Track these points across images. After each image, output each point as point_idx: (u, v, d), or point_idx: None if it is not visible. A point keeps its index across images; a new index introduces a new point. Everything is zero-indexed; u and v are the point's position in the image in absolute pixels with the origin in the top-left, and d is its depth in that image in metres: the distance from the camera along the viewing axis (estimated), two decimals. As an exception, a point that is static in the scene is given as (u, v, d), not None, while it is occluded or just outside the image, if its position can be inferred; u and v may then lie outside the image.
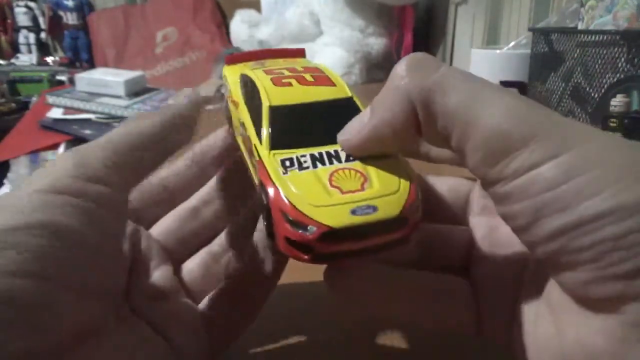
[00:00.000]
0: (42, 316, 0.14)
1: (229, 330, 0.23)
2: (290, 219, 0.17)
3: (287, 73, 0.22)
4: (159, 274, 0.23)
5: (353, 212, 0.17)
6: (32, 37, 1.69)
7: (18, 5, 1.68)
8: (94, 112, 1.01)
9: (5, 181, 0.93)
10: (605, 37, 0.52)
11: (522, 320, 0.19)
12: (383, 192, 0.18)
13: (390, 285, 0.20)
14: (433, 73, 0.16)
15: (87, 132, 0.95)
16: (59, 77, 1.49)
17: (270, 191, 0.17)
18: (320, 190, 0.17)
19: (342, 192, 0.17)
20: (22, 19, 1.68)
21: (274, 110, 0.20)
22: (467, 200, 0.23)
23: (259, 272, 0.23)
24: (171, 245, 0.24)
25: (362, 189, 0.18)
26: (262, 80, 0.21)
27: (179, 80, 1.43)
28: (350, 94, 0.21)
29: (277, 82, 0.21)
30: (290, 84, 0.21)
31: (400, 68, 0.17)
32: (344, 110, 0.20)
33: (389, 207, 0.17)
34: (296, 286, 0.29)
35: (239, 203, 0.25)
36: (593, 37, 0.53)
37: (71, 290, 0.15)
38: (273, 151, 0.19)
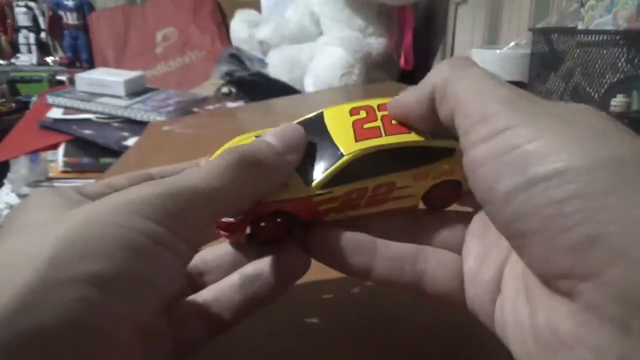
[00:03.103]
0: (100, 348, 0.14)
1: (192, 339, 0.22)
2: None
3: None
4: None
5: None
6: (32, 37, 1.69)
7: (18, 5, 1.68)
8: (94, 112, 1.01)
9: (5, 181, 0.93)
10: (605, 37, 0.52)
11: (505, 297, 0.19)
12: None
13: (368, 251, 0.22)
14: (454, 69, 0.19)
15: (87, 132, 0.95)
16: (59, 77, 1.49)
17: None
18: None
19: None
20: (22, 19, 1.68)
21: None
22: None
23: (239, 300, 0.22)
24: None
25: None
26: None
27: (179, 80, 1.44)
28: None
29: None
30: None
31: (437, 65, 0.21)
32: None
33: None
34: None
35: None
36: (593, 37, 0.53)
37: (136, 329, 0.16)
38: None
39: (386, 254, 0.22)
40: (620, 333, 0.14)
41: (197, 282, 0.23)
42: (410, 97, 0.21)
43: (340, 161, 0.21)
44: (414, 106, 0.21)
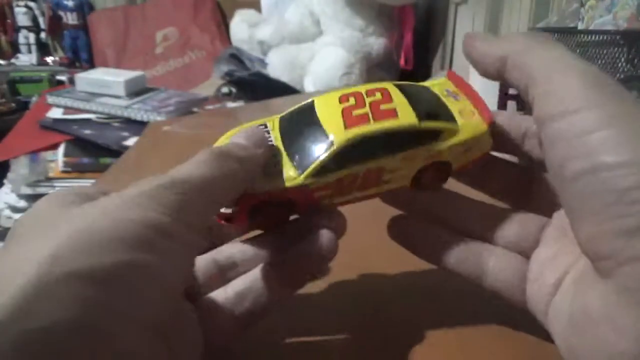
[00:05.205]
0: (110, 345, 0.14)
1: (225, 333, 0.23)
2: None
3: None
4: None
5: None
6: (32, 37, 1.69)
7: (18, 5, 1.68)
8: (94, 112, 1.01)
9: (5, 181, 0.93)
10: (605, 37, 0.52)
11: (557, 296, 0.20)
12: None
13: (440, 244, 0.24)
14: (533, 41, 0.20)
15: (87, 132, 0.95)
16: (59, 77, 1.49)
17: None
18: None
19: None
20: (22, 19, 1.68)
21: None
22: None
23: (266, 291, 0.23)
24: None
25: None
26: None
27: (179, 80, 1.44)
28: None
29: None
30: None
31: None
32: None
33: None
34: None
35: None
36: (593, 37, 0.53)
37: (144, 328, 0.15)
38: None
39: (454, 245, 0.24)
40: None
41: (227, 276, 0.24)
42: (483, 52, 0.22)
43: (331, 150, 0.22)
44: (482, 59, 0.22)
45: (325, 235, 0.22)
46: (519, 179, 0.25)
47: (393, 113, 0.22)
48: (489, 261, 0.23)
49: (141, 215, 0.16)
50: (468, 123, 0.23)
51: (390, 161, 0.22)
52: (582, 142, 0.17)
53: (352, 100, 0.23)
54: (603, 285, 0.16)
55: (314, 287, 0.29)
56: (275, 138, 0.24)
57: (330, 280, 0.30)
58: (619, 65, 0.51)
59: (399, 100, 0.23)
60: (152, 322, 0.16)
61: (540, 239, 0.23)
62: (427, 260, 0.25)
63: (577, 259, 0.20)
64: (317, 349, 0.25)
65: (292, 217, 0.24)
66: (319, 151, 0.22)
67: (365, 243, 0.30)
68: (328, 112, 0.23)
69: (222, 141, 0.24)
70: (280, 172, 0.22)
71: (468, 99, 0.24)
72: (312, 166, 0.22)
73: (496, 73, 0.22)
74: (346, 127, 0.22)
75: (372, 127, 0.22)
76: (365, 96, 0.23)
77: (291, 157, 0.22)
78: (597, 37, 0.53)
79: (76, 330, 0.13)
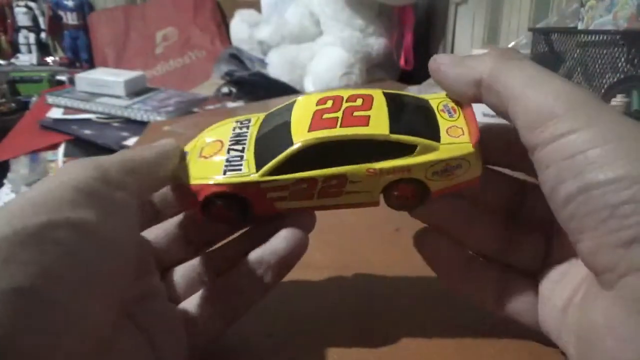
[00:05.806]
0: (59, 316, 0.14)
1: (208, 332, 0.23)
2: None
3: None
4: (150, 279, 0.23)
5: None
6: (32, 37, 1.69)
7: (18, 5, 1.68)
8: (94, 112, 1.01)
9: (5, 181, 0.93)
10: (605, 37, 0.52)
11: (568, 314, 0.20)
12: None
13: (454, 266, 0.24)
14: (503, 61, 0.20)
15: (87, 132, 0.95)
16: (59, 77, 1.49)
17: None
18: None
19: None
20: (22, 19, 1.68)
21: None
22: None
23: (247, 286, 0.23)
24: (158, 253, 0.24)
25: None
26: None
27: (179, 80, 1.43)
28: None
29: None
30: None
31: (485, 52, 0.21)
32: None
33: None
34: (296, 285, 0.29)
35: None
36: (593, 37, 0.53)
37: (94, 293, 0.15)
38: None
39: (469, 273, 0.24)
40: None
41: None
42: (452, 79, 0.22)
43: (288, 150, 0.21)
44: (454, 86, 0.22)
45: (289, 232, 0.23)
46: (512, 192, 0.25)
47: (364, 121, 0.21)
48: (501, 289, 0.23)
49: (68, 178, 0.17)
50: (451, 142, 0.21)
51: (352, 171, 0.21)
52: (572, 163, 0.17)
53: (329, 103, 0.22)
54: (606, 297, 0.17)
55: (310, 286, 0.29)
56: (251, 135, 0.24)
57: (326, 280, 0.30)
58: (619, 65, 0.51)
59: (379, 109, 0.22)
60: (100, 285, 0.16)
61: (547, 261, 0.23)
62: (441, 276, 0.25)
63: (585, 277, 0.20)
64: (313, 349, 0.25)
65: (250, 221, 0.24)
66: (279, 151, 0.21)
67: (361, 243, 0.29)
68: (301, 113, 0.22)
69: (196, 141, 0.25)
70: (240, 168, 0.22)
71: (464, 117, 0.22)
72: (267, 165, 0.21)
73: (473, 97, 0.21)
74: (309, 130, 0.21)
75: (335, 132, 0.21)
76: (344, 100, 0.22)
77: (256, 155, 0.22)
78: (597, 37, 0.53)
79: (18, 297, 0.13)
